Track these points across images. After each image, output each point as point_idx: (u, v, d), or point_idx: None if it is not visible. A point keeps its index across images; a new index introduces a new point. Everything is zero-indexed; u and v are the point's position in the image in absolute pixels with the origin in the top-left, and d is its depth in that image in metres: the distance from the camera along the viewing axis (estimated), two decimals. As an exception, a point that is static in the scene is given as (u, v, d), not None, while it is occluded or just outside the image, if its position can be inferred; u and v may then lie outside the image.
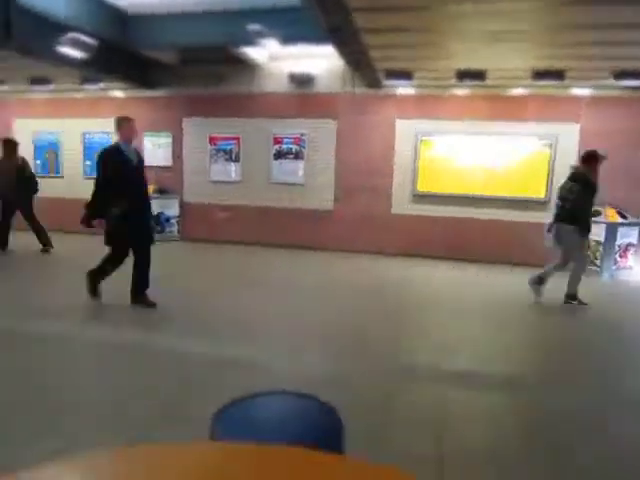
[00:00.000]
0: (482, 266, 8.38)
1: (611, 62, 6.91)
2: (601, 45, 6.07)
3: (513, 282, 7.37)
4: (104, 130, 10.35)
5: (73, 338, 4.30)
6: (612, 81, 7.43)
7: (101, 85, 9.51)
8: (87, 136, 10.57)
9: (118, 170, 4.90)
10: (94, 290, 5.28)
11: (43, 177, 10.76)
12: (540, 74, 7.38)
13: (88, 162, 10.63)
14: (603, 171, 8.13)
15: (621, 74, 7.24)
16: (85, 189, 10.41)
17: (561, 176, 8.39)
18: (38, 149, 10.99)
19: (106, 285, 5.38)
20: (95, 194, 4.98)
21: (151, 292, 5.38)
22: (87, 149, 10.60)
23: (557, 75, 7.31)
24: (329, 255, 8.86)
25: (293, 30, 6.78)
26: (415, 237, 8.98)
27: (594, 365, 4.22)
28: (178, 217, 10.11)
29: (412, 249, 8.92)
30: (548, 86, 7.84)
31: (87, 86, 9.52)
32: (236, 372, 3.64)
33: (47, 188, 10.67)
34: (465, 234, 8.81)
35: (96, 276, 5.25)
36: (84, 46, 6.71)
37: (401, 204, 9.13)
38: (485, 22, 5.38)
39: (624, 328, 5.39)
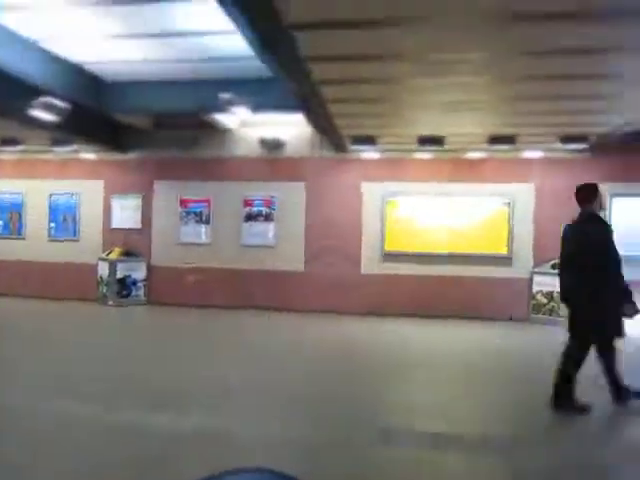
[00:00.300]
0: (451, 322, 8.50)
1: (557, 128, 7.49)
2: (548, 114, 6.61)
3: (482, 336, 7.50)
4: (71, 191, 10.34)
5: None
6: (559, 145, 8.03)
7: (72, 147, 9.56)
8: (53, 197, 10.48)
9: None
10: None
11: (3, 238, 10.56)
12: (494, 139, 7.90)
13: (53, 224, 10.48)
14: (559, 226, 8.57)
15: (566, 139, 7.84)
16: (49, 251, 10.32)
17: (520, 233, 8.85)
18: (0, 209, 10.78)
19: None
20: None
21: (117, 360, 5.21)
22: (53, 211, 10.48)
23: (510, 140, 7.84)
24: (300, 317, 8.82)
25: (263, 98, 7.10)
26: (385, 296, 9.09)
27: (565, 426, 4.27)
28: (145, 280, 9.94)
29: (382, 308, 8.99)
30: (503, 150, 8.37)
31: (58, 148, 9.56)
32: (200, 445, 3.47)
33: (7, 249, 10.45)
34: (433, 291, 8.99)
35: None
36: (57, 109, 6.81)
37: (370, 264, 9.30)
38: (444, 94, 5.80)
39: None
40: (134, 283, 9.88)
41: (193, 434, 3.65)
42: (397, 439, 3.69)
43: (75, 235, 10.37)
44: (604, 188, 8.51)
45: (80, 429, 3.72)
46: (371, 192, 9.28)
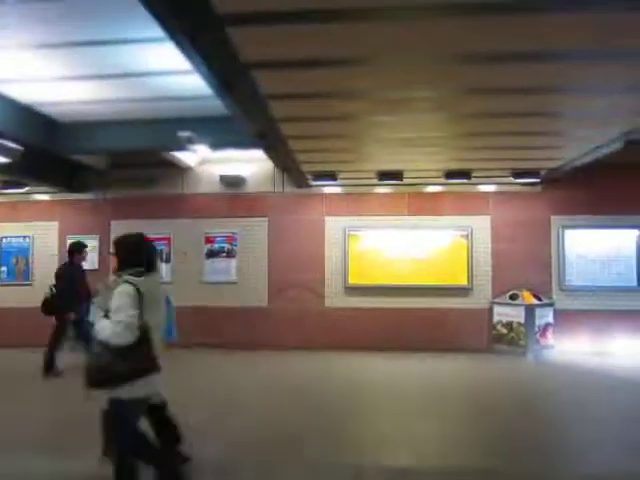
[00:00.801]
0: (415, 354, 8.48)
1: (509, 163, 7.82)
2: (500, 149, 6.90)
3: (447, 368, 7.50)
4: (24, 234, 9.96)
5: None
6: (512, 179, 8.36)
7: (25, 188, 9.27)
8: (4, 240, 10.05)
9: None
10: None
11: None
12: (450, 174, 8.18)
13: (4, 268, 10.01)
14: (516, 256, 8.90)
15: (518, 173, 8.19)
16: (0, 296, 9.80)
17: (479, 264, 9.06)
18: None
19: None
20: None
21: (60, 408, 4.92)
22: (4, 253, 10.03)
23: (465, 175, 8.13)
24: (265, 353, 8.62)
25: (223, 136, 7.13)
26: (350, 330, 9.03)
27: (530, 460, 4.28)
28: (103, 322, 9.53)
29: (347, 342, 8.89)
30: (459, 183, 8.65)
31: (9, 190, 9.24)
32: None
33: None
34: (396, 323, 8.99)
35: None
36: (9, 152, 6.63)
37: (334, 297, 9.27)
38: (399, 130, 5.98)
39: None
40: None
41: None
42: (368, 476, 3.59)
43: (28, 279, 9.93)
44: (555, 220, 8.99)
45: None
46: (333, 226, 9.35)
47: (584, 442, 4.46)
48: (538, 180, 8.63)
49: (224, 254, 9.51)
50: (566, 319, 8.66)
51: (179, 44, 3.65)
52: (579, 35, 3.51)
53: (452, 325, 8.93)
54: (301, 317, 9.15)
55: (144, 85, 6.11)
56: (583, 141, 6.48)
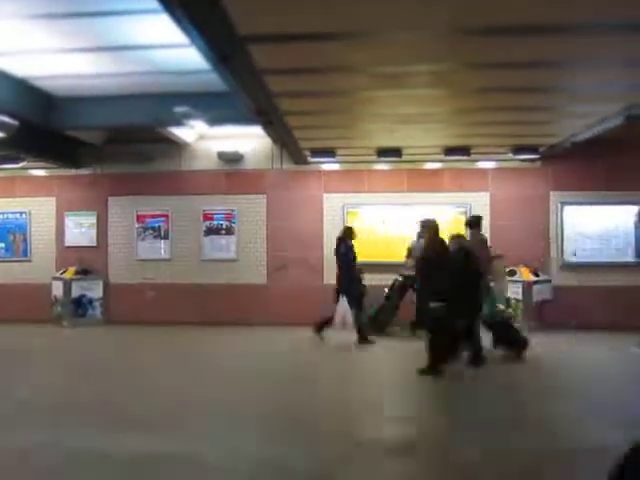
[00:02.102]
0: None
1: (509, 139, 7.77)
2: (499, 125, 6.84)
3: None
4: (21, 210, 9.93)
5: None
6: (511, 155, 8.31)
7: (21, 164, 9.19)
8: (1, 216, 10.03)
9: None
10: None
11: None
12: (450, 150, 8.13)
13: (2, 244, 10.01)
14: (515, 233, 8.89)
15: (517, 149, 8.14)
16: (-1, 272, 9.84)
17: (478, 241, 9.05)
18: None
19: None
20: None
21: (66, 381, 4.98)
22: (1, 230, 10.02)
23: (464, 151, 8.08)
24: (265, 330, 8.69)
25: (220, 112, 7.04)
26: (348, 306, 9.07)
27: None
28: (101, 299, 9.61)
29: (346, 318, 8.96)
30: (458, 160, 8.60)
31: (5, 165, 9.17)
32: (169, 471, 3.34)
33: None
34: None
35: None
36: (4, 126, 6.55)
37: (333, 274, 9.28)
38: (398, 106, 5.92)
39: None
40: (90, 302, 9.55)
41: (158, 456, 3.53)
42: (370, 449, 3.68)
43: (27, 255, 9.94)
44: (554, 196, 8.98)
45: (40, 457, 3.54)
46: (332, 203, 9.33)
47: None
48: (537, 156, 8.59)
49: (223, 231, 9.51)
50: (565, 295, 8.73)
51: (175, 16, 3.59)
52: (580, 7, 3.45)
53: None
54: (300, 294, 9.20)
55: (141, 59, 6.01)
56: (583, 117, 6.43)
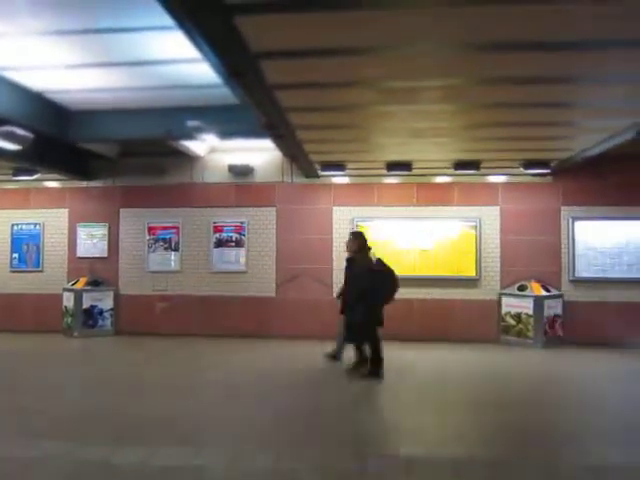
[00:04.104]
0: (421, 344, 8.49)
1: (519, 154, 7.75)
2: (510, 140, 6.83)
3: (455, 359, 7.51)
4: (35, 221, 10.06)
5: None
6: (522, 169, 8.28)
7: (35, 176, 9.34)
8: (16, 227, 10.17)
9: None
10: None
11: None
12: (459, 164, 8.12)
13: (15, 255, 10.14)
14: (525, 247, 8.85)
15: (528, 164, 8.11)
16: (12, 283, 9.94)
17: (488, 255, 9.03)
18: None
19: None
20: None
21: (74, 393, 5.00)
22: (15, 241, 10.15)
23: (474, 165, 8.06)
24: (273, 343, 8.69)
25: (232, 125, 7.11)
26: (357, 319, 9.03)
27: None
28: (112, 310, 9.67)
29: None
30: (468, 174, 8.59)
31: (20, 177, 9.33)
32: None
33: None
34: (403, 314, 8.99)
35: None
36: (19, 139, 6.66)
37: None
38: (408, 121, 5.94)
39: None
40: (100, 313, 9.60)
41: (166, 469, 3.52)
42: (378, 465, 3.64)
43: (39, 265, 10.05)
44: (565, 211, 8.92)
45: (48, 468, 3.54)
46: (341, 216, 9.34)
47: (590, 431, 4.47)
48: (548, 171, 8.55)
49: (232, 243, 9.55)
50: (575, 311, 8.63)
51: (188, 33, 3.64)
52: (592, 24, 3.45)
53: (460, 316, 8.93)
54: (309, 307, 9.19)
55: (154, 73, 6.10)
56: (594, 132, 6.40)
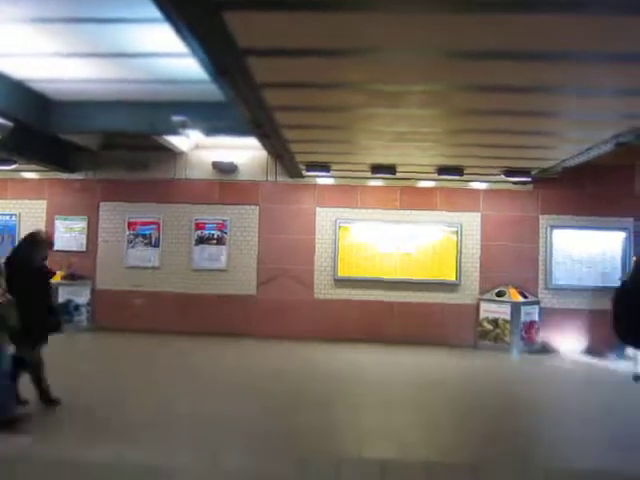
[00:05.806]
0: (402, 347, 8.52)
1: (501, 161, 7.85)
2: (492, 147, 6.92)
3: (432, 362, 7.59)
4: (11, 212, 9.84)
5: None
6: (503, 177, 8.40)
7: (14, 166, 9.13)
8: (-9, 218, 9.93)
9: None
10: None
11: None
12: (443, 169, 8.20)
13: (-8, 247, 9.89)
14: (504, 254, 8.98)
15: (509, 172, 8.23)
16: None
17: (468, 260, 9.13)
18: None
19: None
20: None
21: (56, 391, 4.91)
22: (-9, 232, 9.91)
23: (457, 171, 8.15)
24: (253, 342, 8.63)
25: (217, 122, 7.06)
26: (338, 321, 9.07)
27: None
28: (89, 305, 9.50)
29: (335, 333, 8.94)
30: (451, 180, 8.68)
31: (-1, 167, 9.11)
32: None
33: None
34: (383, 317, 9.06)
35: None
36: (-3, 127, 6.52)
37: (323, 289, 9.30)
38: (393, 124, 5.97)
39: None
40: (76, 308, 9.42)
41: (137, 468, 3.47)
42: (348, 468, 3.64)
43: (14, 257, 9.80)
44: (544, 219, 9.08)
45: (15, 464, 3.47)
46: (324, 217, 9.35)
47: (561, 438, 4.55)
48: (529, 179, 8.69)
49: (214, 241, 9.48)
50: (551, 317, 8.78)
51: (176, 28, 3.60)
52: (575, 36, 3.52)
53: (439, 320, 9.01)
54: (289, 307, 9.17)
55: (140, 66, 6.02)
56: (575, 142, 6.52)
